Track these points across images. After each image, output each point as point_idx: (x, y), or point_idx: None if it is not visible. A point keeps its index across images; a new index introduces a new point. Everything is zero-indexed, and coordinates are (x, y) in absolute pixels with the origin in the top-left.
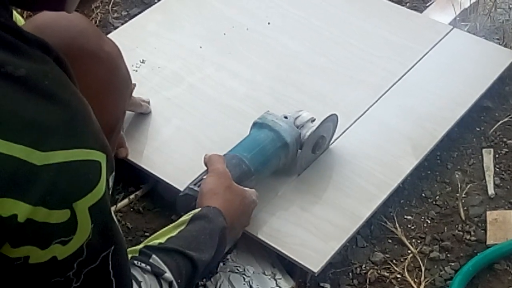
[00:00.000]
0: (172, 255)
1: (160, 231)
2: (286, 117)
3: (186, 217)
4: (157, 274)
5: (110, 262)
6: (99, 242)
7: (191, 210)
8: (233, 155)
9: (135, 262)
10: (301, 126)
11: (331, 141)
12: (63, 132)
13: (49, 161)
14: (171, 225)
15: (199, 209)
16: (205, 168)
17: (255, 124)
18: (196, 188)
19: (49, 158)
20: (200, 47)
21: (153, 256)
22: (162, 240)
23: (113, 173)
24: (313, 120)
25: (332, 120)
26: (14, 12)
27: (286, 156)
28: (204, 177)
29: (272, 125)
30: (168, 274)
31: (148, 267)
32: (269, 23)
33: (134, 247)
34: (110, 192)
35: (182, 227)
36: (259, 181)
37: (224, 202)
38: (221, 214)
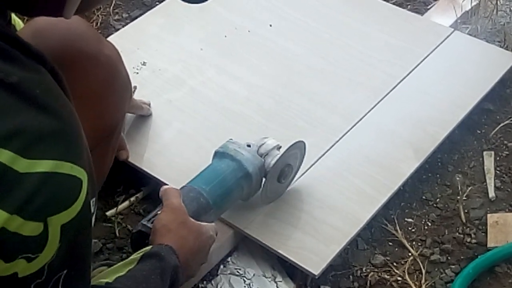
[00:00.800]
0: None
1: (109, 269)
2: (249, 145)
3: (136, 255)
4: None
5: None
6: (58, 264)
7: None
8: (191, 188)
9: None
10: (266, 154)
11: (299, 170)
12: (52, 142)
13: (32, 170)
14: (121, 263)
15: (150, 246)
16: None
17: (216, 154)
18: (149, 225)
19: (33, 166)
20: (201, 49)
21: None
22: (110, 279)
23: (95, 198)
24: (279, 148)
25: (298, 148)
26: (14, 16)
27: (250, 186)
28: (159, 212)
29: (234, 154)
30: None
31: None
32: (271, 25)
33: None
34: (94, 218)
35: (132, 266)
36: (219, 215)
37: (178, 239)
38: (174, 252)
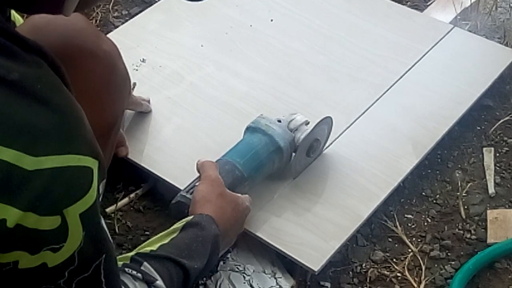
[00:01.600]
0: (163, 262)
1: (152, 238)
2: (279, 121)
3: (178, 224)
4: (149, 282)
5: (102, 271)
6: (91, 250)
7: (184, 217)
8: (226, 161)
9: (126, 269)
10: (295, 129)
11: (326, 144)
12: (55, 137)
13: (41, 166)
14: (163, 232)
15: (192, 216)
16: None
17: (248, 129)
18: (188, 196)
19: (40, 163)
20: (202, 46)
21: (145, 263)
22: (154, 247)
23: (104, 180)
24: (307, 123)
25: (326, 123)
26: (14, 12)
27: (280, 160)
28: (197, 184)
29: (266, 129)
30: (160, 282)
31: (139, 274)
32: (272, 20)
33: (125, 254)
34: (101, 199)
35: (174, 235)
36: (253, 186)
37: (217, 210)
38: (214, 222)
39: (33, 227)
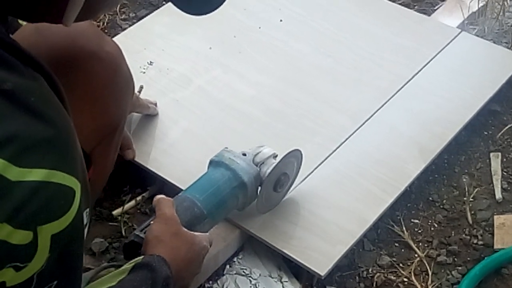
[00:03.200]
0: None
1: (100, 279)
2: (244, 154)
3: (127, 265)
4: None
5: None
6: (48, 274)
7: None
8: (185, 197)
9: None
10: (262, 163)
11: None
12: (44, 150)
13: (24, 178)
14: (112, 273)
15: (142, 257)
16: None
17: (211, 162)
18: (141, 235)
19: (24, 175)
20: (210, 48)
21: None
22: None
23: (88, 209)
24: (275, 156)
25: (295, 156)
26: None
27: (245, 196)
28: (152, 222)
29: (229, 163)
30: None
31: None
32: (281, 20)
33: None
34: (87, 230)
35: (122, 276)
36: (214, 224)
37: (170, 250)
38: (166, 263)
39: (4, 239)
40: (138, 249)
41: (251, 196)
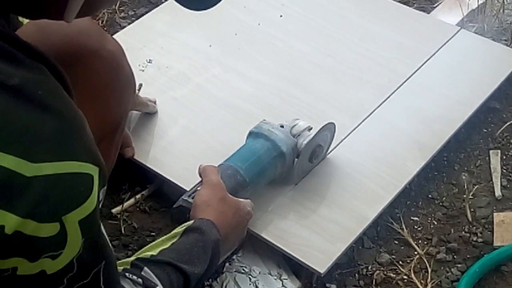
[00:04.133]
0: (164, 268)
1: (153, 243)
2: (282, 126)
3: (179, 229)
4: (149, 287)
5: (101, 278)
6: (90, 257)
7: (185, 222)
8: (228, 166)
9: (127, 274)
10: (298, 135)
11: (331, 147)
12: (56, 143)
13: (40, 173)
14: (164, 237)
15: (192, 221)
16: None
17: (250, 134)
18: (190, 200)
19: (40, 169)
20: (210, 46)
21: (145, 268)
22: (155, 252)
23: (105, 187)
24: (310, 129)
25: (329, 129)
26: None
27: (283, 165)
28: (199, 188)
29: (268, 134)
30: (160, 287)
31: (139, 279)
32: (281, 16)
33: (125, 259)
34: (101, 206)
35: (175, 240)
36: (256, 192)
37: (218, 214)
38: (215, 227)
39: (32, 234)
40: (186, 214)
41: (288, 166)
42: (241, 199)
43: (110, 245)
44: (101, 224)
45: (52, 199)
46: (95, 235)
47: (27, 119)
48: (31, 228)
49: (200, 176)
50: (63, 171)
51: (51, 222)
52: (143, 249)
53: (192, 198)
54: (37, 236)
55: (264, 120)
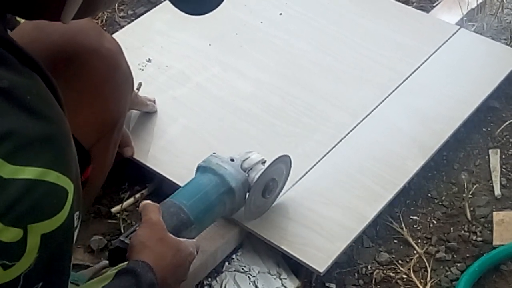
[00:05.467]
0: None
1: (84, 285)
2: (232, 160)
3: (112, 271)
4: None
5: None
6: (35, 275)
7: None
8: (171, 203)
9: None
10: (250, 168)
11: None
12: (39, 149)
13: (17, 176)
14: (96, 279)
15: (126, 262)
16: None
17: (199, 168)
18: (126, 241)
19: (17, 172)
20: (210, 45)
21: None
22: None
23: (79, 212)
24: (263, 162)
25: (283, 162)
26: None
27: (233, 202)
28: (137, 228)
29: (216, 168)
30: None
31: None
32: (281, 14)
33: None
34: (77, 233)
35: (106, 282)
36: (201, 230)
37: (155, 256)
38: (151, 269)
39: None
40: (123, 255)
41: (239, 202)
42: (183, 239)
43: (64, 274)
44: (69, 249)
45: (24, 204)
46: (50, 254)
47: (14, 122)
48: None
49: (140, 214)
50: (41, 178)
51: (16, 227)
52: None
53: (130, 238)
54: None
55: (214, 153)
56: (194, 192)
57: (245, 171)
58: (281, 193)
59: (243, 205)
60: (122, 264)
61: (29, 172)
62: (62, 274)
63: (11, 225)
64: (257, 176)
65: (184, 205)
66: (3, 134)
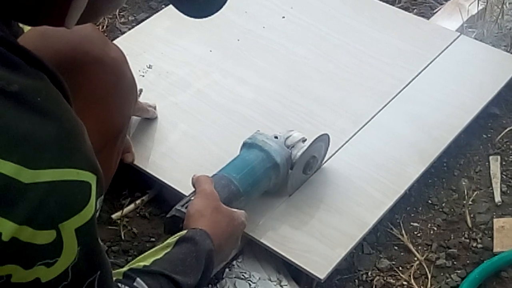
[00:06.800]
0: (157, 278)
1: (146, 253)
2: (276, 137)
3: (172, 239)
4: None
5: None
6: (85, 266)
7: (178, 232)
8: (222, 176)
9: (119, 285)
10: (292, 146)
11: (329, 155)
12: (54, 150)
13: (38, 180)
14: (157, 247)
15: (186, 231)
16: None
17: (245, 144)
18: (183, 210)
19: (37, 176)
20: (210, 51)
21: (138, 279)
22: (147, 262)
23: (102, 196)
24: (304, 140)
25: (323, 140)
26: None
27: (277, 176)
28: (192, 198)
29: (262, 145)
30: None
31: None
32: (283, 17)
33: (118, 270)
34: (98, 214)
35: (168, 250)
36: (249, 202)
37: (211, 224)
38: (208, 237)
39: (28, 241)
40: (179, 224)
41: (282, 177)
42: (235, 209)
43: (106, 255)
44: (97, 233)
45: (50, 206)
46: (91, 244)
47: (26, 126)
48: (27, 235)
49: (194, 186)
50: (61, 178)
51: (47, 229)
52: (136, 259)
53: (186, 208)
54: (32, 243)
55: (258, 130)
56: (242, 166)
57: (288, 148)
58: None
59: (285, 179)
60: (182, 232)
61: (48, 175)
62: (106, 259)
63: (41, 228)
64: (299, 153)
65: (234, 178)
66: (18, 140)
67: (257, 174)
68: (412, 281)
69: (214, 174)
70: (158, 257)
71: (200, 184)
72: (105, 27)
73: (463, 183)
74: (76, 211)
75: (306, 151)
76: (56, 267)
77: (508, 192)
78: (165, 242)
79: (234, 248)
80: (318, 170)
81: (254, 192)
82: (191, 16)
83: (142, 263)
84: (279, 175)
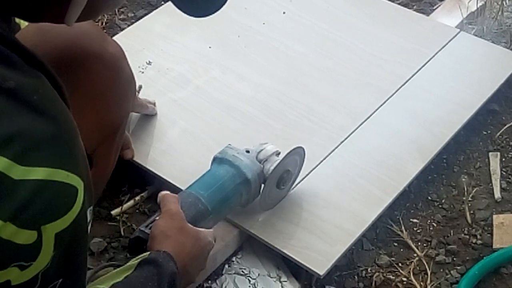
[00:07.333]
0: None
1: (105, 276)
2: (248, 151)
3: (133, 261)
4: None
5: None
6: (54, 271)
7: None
8: (189, 193)
9: None
10: (265, 160)
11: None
12: (48, 149)
13: (28, 177)
14: (118, 269)
15: (148, 253)
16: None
17: (215, 159)
18: (147, 231)
19: (28, 173)
20: (210, 48)
21: None
22: (106, 285)
23: (91, 207)
24: (278, 154)
25: (298, 153)
26: None
27: (248, 192)
28: (157, 218)
29: (233, 160)
30: None
31: None
32: (283, 13)
33: None
34: (90, 227)
35: (129, 273)
36: (219, 220)
37: (176, 246)
38: (172, 259)
39: (9, 238)
40: (143, 245)
41: (254, 193)
42: (202, 229)
43: (83, 265)
44: (85, 244)
45: (36, 205)
46: (66, 250)
47: (21, 122)
48: (9, 232)
49: (159, 205)
50: (51, 178)
51: (30, 229)
52: (94, 282)
53: (150, 228)
54: (12, 241)
55: (229, 144)
56: (211, 183)
57: (260, 162)
58: (294, 185)
59: (258, 195)
60: (144, 254)
61: (39, 173)
62: (79, 269)
63: (24, 227)
64: (272, 168)
65: (201, 196)
66: (11, 135)
67: (226, 190)
68: (412, 277)
69: (180, 192)
70: (118, 280)
71: (165, 204)
72: (104, 23)
73: (463, 179)
74: (60, 215)
75: (279, 165)
76: (29, 271)
77: (508, 188)
78: (126, 264)
79: (201, 269)
80: (294, 185)
81: (224, 209)
82: (190, 15)
83: (101, 286)
84: (251, 191)
